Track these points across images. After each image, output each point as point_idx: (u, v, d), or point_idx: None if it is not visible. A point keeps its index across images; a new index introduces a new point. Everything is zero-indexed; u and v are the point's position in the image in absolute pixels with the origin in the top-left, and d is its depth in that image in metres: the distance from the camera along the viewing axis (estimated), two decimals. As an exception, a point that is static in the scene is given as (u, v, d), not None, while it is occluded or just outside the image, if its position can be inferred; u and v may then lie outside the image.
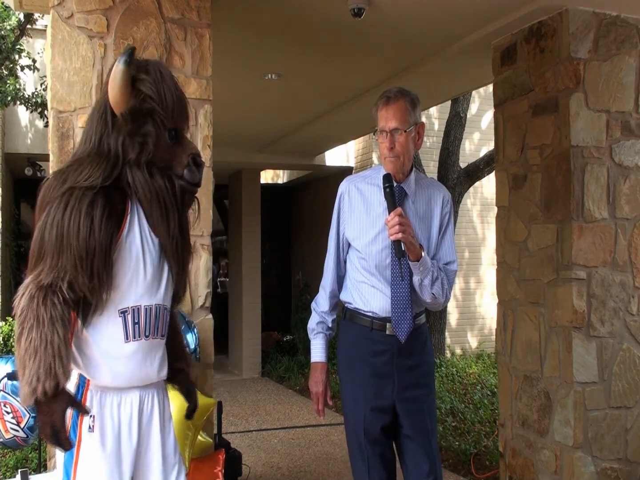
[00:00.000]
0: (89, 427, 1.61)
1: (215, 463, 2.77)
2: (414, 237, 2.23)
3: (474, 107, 8.55)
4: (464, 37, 4.03)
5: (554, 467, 3.52)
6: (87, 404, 1.62)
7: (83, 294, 1.56)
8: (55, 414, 1.47)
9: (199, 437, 2.76)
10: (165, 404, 1.77)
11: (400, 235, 2.17)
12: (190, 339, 2.83)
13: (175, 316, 1.88)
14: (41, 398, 1.44)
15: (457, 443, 5.08)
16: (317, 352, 2.48)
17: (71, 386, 1.61)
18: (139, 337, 1.66)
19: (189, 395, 1.88)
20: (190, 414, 1.87)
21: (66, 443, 1.49)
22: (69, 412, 1.55)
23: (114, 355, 1.64)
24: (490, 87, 4.66)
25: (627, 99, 3.61)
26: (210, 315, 3.11)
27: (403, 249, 2.19)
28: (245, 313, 8.76)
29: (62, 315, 1.51)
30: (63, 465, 1.63)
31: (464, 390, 6.96)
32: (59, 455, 1.65)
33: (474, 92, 7.94)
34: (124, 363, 1.65)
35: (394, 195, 2.27)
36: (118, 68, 1.58)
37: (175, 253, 1.69)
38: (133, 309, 1.64)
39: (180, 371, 1.83)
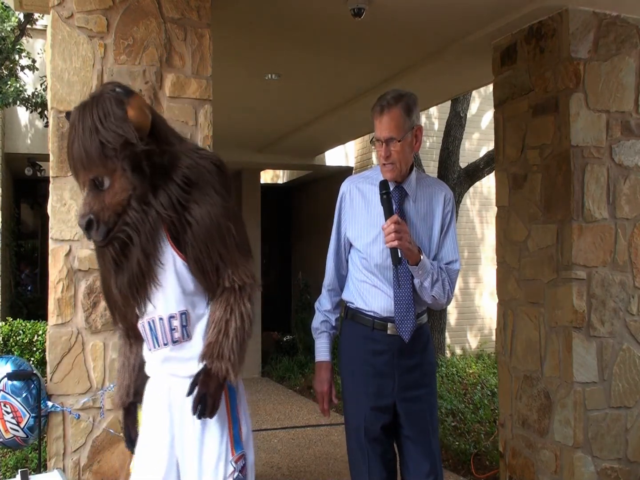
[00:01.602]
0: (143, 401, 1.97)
1: None
2: (412, 242, 2.23)
3: (474, 107, 8.55)
4: (464, 37, 4.03)
5: (554, 467, 3.52)
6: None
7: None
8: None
9: None
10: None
11: (396, 242, 2.17)
12: None
13: (216, 303, 1.83)
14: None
15: (457, 443, 5.08)
16: (322, 351, 2.49)
17: None
18: (158, 346, 1.86)
19: (197, 395, 1.80)
20: (195, 412, 1.80)
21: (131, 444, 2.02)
22: None
23: (148, 358, 1.96)
24: (490, 87, 4.66)
25: (627, 99, 3.61)
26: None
27: (400, 255, 2.19)
28: (246, 313, 8.73)
29: (125, 352, 2.03)
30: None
31: (464, 390, 6.96)
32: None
33: (474, 92, 7.95)
34: (151, 364, 1.94)
35: (391, 202, 2.27)
36: (134, 96, 1.78)
37: (141, 287, 1.78)
38: (149, 321, 1.86)
39: (199, 373, 1.81)
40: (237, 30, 3.92)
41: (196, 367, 1.78)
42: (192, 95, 3.09)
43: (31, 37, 6.88)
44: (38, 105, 6.61)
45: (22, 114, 7.44)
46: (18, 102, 6.48)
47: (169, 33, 3.05)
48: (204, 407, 1.72)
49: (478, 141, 8.83)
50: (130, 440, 2.01)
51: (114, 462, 2.86)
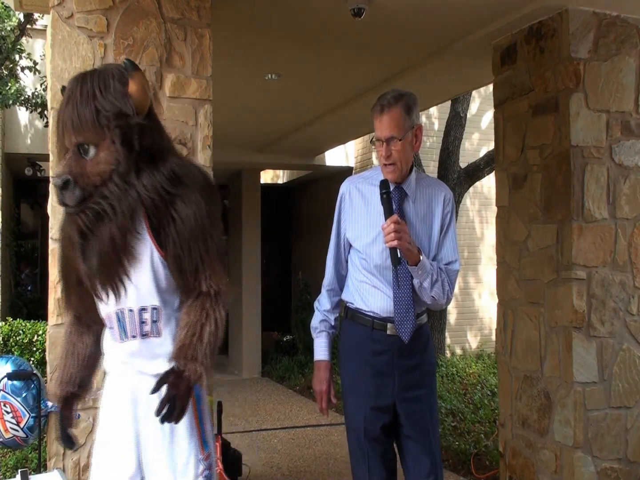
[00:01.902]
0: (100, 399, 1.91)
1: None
2: (411, 242, 2.23)
3: (474, 107, 8.55)
4: (464, 37, 4.03)
5: (554, 467, 3.52)
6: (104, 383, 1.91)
7: None
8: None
9: None
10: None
11: (395, 242, 2.17)
12: None
13: (190, 307, 1.80)
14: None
15: (457, 443, 5.08)
16: (321, 350, 2.49)
17: None
18: (126, 338, 1.81)
19: (165, 403, 1.74)
20: (159, 414, 1.74)
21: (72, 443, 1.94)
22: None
23: (111, 351, 1.87)
24: (490, 87, 4.66)
25: (627, 99, 3.61)
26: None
27: (399, 255, 2.19)
28: (245, 313, 8.76)
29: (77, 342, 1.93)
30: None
31: (464, 390, 6.96)
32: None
33: (474, 92, 7.94)
34: (112, 359, 1.88)
35: (391, 202, 2.27)
36: (137, 74, 1.75)
37: (112, 265, 1.72)
38: (117, 312, 1.80)
39: (168, 373, 1.76)
40: (237, 30, 3.92)
41: (163, 365, 1.73)
42: (192, 95, 3.09)
43: (31, 37, 6.87)
44: (38, 105, 6.61)
45: (22, 114, 7.44)
46: (18, 103, 6.48)
47: (169, 33, 3.05)
48: (171, 411, 1.65)
49: (478, 141, 8.83)
50: (65, 435, 1.91)
51: (114, 462, 2.85)
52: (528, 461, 3.72)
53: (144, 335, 1.78)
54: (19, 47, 6.38)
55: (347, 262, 2.49)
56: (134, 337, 1.78)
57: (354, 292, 2.42)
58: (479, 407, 6.17)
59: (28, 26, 6.45)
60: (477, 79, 4.92)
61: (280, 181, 10.83)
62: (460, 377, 7.51)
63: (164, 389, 1.68)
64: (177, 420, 1.69)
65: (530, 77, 3.75)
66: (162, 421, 1.66)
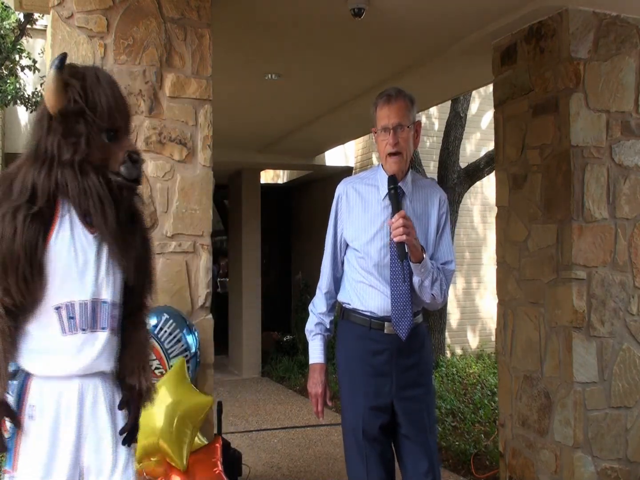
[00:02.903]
0: (30, 415, 1.71)
1: (213, 452, 2.75)
2: (417, 238, 2.24)
3: (474, 107, 8.55)
4: (464, 37, 4.03)
5: (554, 467, 3.52)
6: (30, 391, 1.73)
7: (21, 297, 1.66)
8: None
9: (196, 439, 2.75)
10: (115, 395, 1.83)
11: (404, 237, 2.18)
12: (191, 341, 2.83)
13: (139, 323, 1.89)
14: None
15: (457, 443, 5.08)
16: (316, 353, 2.49)
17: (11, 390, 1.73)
18: (75, 330, 1.73)
19: (132, 417, 1.82)
20: (123, 436, 1.80)
21: (2, 446, 1.68)
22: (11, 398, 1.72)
23: (52, 348, 1.73)
24: (490, 87, 4.66)
25: (627, 99, 3.61)
26: (210, 315, 3.11)
27: (406, 250, 2.20)
28: (245, 313, 8.75)
29: (3, 328, 1.66)
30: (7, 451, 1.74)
31: (464, 390, 6.96)
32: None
33: (474, 92, 7.94)
34: (61, 355, 1.73)
35: (399, 197, 2.29)
36: (50, 73, 1.69)
37: (115, 247, 1.75)
38: (67, 305, 1.72)
39: (130, 388, 1.81)
40: (237, 30, 3.92)
41: (109, 364, 1.78)
42: (192, 95, 3.09)
43: (31, 37, 6.87)
44: (38, 105, 6.60)
45: (22, 114, 7.44)
46: (18, 102, 6.48)
47: (169, 33, 3.05)
48: (134, 432, 1.76)
49: (478, 141, 8.83)
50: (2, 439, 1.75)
51: (114, 462, 2.85)
52: (528, 461, 3.72)
53: (112, 329, 1.79)
54: (19, 46, 6.38)
55: (342, 264, 2.50)
56: (104, 328, 1.77)
57: (351, 292, 2.42)
58: (479, 407, 6.17)
59: (28, 26, 6.45)
60: (477, 79, 4.92)
61: (280, 181, 10.83)
62: (460, 377, 7.51)
63: (130, 409, 1.78)
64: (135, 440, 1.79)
65: (530, 77, 3.75)
66: (125, 443, 1.75)
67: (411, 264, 2.25)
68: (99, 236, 1.74)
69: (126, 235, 1.77)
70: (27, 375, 1.74)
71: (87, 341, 1.74)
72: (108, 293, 1.77)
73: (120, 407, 1.79)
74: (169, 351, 2.70)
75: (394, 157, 2.33)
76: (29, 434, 1.71)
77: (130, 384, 1.81)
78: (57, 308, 1.72)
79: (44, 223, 1.68)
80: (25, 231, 1.63)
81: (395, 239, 2.20)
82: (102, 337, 1.76)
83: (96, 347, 1.75)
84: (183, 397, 2.57)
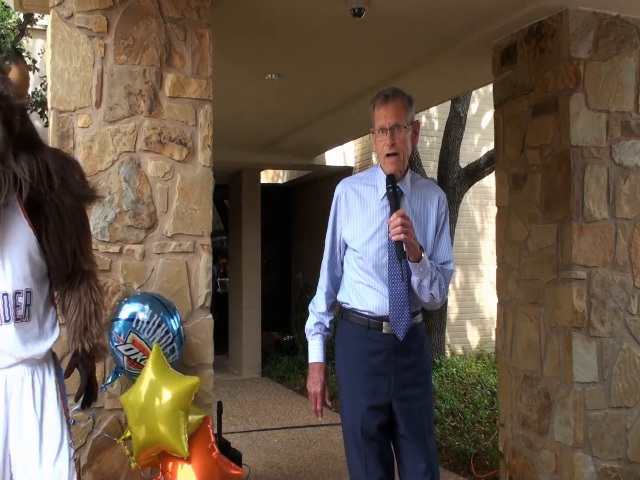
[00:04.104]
0: None
1: (207, 437, 2.71)
2: (415, 238, 2.24)
3: (474, 107, 8.55)
4: (464, 37, 4.03)
5: (554, 467, 3.52)
6: None
7: None
8: None
9: (191, 416, 2.71)
10: (46, 382, 1.82)
11: (402, 236, 2.18)
12: (172, 322, 2.78)
13: (77, 288, 1.90)
14: None
15: (457, 443, 5.08)
16: (315, 352, 2.50)
17: None
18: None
19: (83, 378, 1.86)
20: (79, 398, 1.85)
21: None
22: None
23: None
24: (490, 87, 4.66)
25: (627, 99, 3.61)
26: (210, 315, 3.11)
27: (404, 249, 2.20)
28: (245, 313, 8.75)
29: None
30: None
31: (464, 390, 6.96)
32: None
33: (474, 92, 7.94)
34: None
35: (397, 196, 2.29)
36: None
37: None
38: None
39: (74, 353, 1.85)
40: (237, 30, 3.92)
41: (33, 349, 1.78)
42: (192, 95, 3.09)
43: (31, 37, 6.88)
44: (38, 104, 6.61)
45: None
46: (18, 102, 6.47)
47: (169, 33, 3.05)
48: (90, 394, 1.76)
49: (478, 141, 8.83)
50: None
51: (114, 462, 2.86)
52: (528, 461, 3.72)
53: (18, 319, 1.78)
54: (19, 46, 6.38)
55: (342, 263, 2.50)
56: (7, 321, 1.77)
57: (350, 292, 2.43)
58: (479, 407, 6.17)
59: (28, 26, 6.45)
60: (477, 79, 4.91)
61: (280, 181, 10.83)
62: (460, 377, 7.51)
63: (79, 371, 1.76)
64: (94, 400, 1.80)
65: (530, 77, 3.75)
66: (83, 406, 1.76)
67: (410, 263, 2.25)
68: None
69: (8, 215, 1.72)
70: None
71: None
72: (8, 284, 1.76)
73: (66, 374, 1.80)
74: (150, 339, 2.67)
75: (391, 157, 2.33)
76: None
77: (72, 348, 1.83)
78: None
79: None
80: None
81: (393, 238, 2.20)
82: (6, 330, 1.77)
83: (5, 341, 1.77)
84: (168, 384, 2.53)
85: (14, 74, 1.75)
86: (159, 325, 2.70)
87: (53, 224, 1.76)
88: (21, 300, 1.78)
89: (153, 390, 2.50)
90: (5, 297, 1.76)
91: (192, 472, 2.54)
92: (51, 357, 1.90)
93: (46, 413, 1.80)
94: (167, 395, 2.48)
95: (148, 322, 2.68)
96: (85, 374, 1.80)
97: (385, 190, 2.32)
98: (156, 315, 2.71)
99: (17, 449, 1.78)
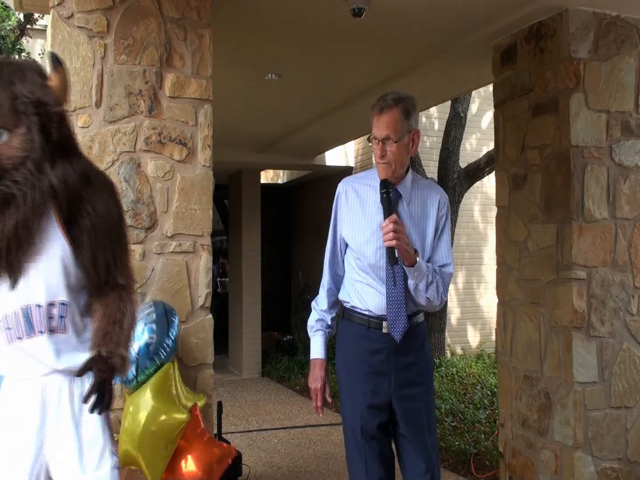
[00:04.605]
0: None
1: (196, 424, 2.71)
2: (409, 243, 2.24)
3: (474, 107, 8.55)
4: (464, 37, 4.03)
5: (554, 467, 3.52)
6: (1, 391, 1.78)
7: None
8: None
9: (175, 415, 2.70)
10: (85, 387, 1.79)
11: (394, 242, 2.18)
12: (148, 328, 2.76)
13: (105, 300, 1.83)
14: None
15: (457, 443, 5.08)
16: (316, 349, 2.50)
17: None
18: (13, 340, 1.75)
19: (94, 382, 1.77)
20: (86, 401, 1.76)
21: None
22: None
23: (6, 355, 1.77)
24: (490, 87, 4.66)
25: (627, 99, 3.61)
26: (210, 315, 3.11)
27: (397, 255, 2.20)
28: (245, 313, 8.75)
29: None
30: None
31: (464, 390, 6.96)
32: None
33: (474, 92, 7.94)
34: (13, 362, 1.77)
35: (391, 201, 2.28)
36: None
37: (14, 252, 1.67)
38: (3, 317, 1.74)
39: (92, 359, 1.78)
40: (237, 30, 3.92)
41: (70, 361, 1.76)
42: (192, 95, 3.09)
43: (31, 37, 6.88)
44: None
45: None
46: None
47: (169, 33, 3.05)
48: (100, 398, 1.69)
49: (478, 141, 8.83)
50: None
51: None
52: (528, 461, 3.72)
53: (51, 330, 1.76)
54: (19, 46, 6.39)
55: (344, 261, 2.50)
56: (41, 332, 1.75)
57: (350, 291, 2.43)
58: (479, 407, 6.17)
59: (28, 26, 6.46)
60: (477, 79, 4.91)
61: (280, 181, 10.83)
62: (460, 377, 7.51)
63: (90, 378, 1.71)
64: (106, 408, 1.72)
65: (530, 77, 3.75)
66: (92, 410, 1.69)
67: (405, 267, 2.26)
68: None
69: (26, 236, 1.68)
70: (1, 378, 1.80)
71: (27, 348, 1.75)
72: (41, 295, 1.73)
73: (79, 374, 1.75)
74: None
75: (382, 165, 2.34)
76: None
77: (91, 352, 1.79)
78: None
79: None
80: None
81: (385, 244, 2.21)
82: (40, 342, 1.75)
83: (39, 352, 1.75)
84: (160, 410, 2.51)
85: (54, 80, 1.72)
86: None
87: (86, 235, 1.72)
88: (55, 311, 1.75)
89: (143, 410, 2.50)
90: (38, 308, 1.74)
91: (190, 458, 2.57)
92: None
93: (86, 421, 1.77)
94: (152, 421, 2.49)
95: None
96: (97, 378, 1.72)
97: (389, 190, 2.32)
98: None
99: (56, 459, 1.76)
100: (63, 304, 1.76)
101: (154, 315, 2.75)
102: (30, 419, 1.75)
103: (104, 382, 1.71)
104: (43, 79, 1.71)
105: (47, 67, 1.76)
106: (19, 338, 1.74)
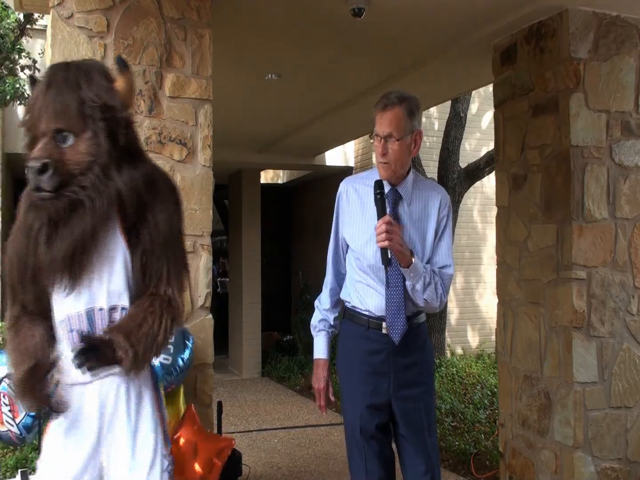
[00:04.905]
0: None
1: (193, 420, 2.73)
2: (403, 244, 2.23)
3: (474, 107, 8.54)
4: (464, 37, 4.03)
5: (554, 467, 3.52)
6: (56, 394, 1.72)
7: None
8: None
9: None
10: (143, 392, 1.78)
11: (387, 243, 2.18)
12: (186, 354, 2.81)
13: (141, 303, 1.76)
14: None
15: (457, 443, 5.08)
16: (319, 348, 2.51)
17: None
18: (77, 342, 1.67)
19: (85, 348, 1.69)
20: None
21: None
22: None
23: (68, 359, 1.69)
24: (490, 87, 4.66)
25: (627, 99, 3.61)
26: (210, 315, 3.11)
27: (390, 256, 2.19)
28: (245, 313, 8.76)
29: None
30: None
31: (464, 390, 6.96)
32: None
33: (474, 92, 7.94)
34: (70, 365, 1.68)
35: (384, 202, 2.27)
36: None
37: (79, 257, 1.65)
38: (66, 319, 1.71)
39: (101, 337, 1.70)
40: (237, 30, 3.92)
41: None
42: (192, 95, 3.09)
43: (31, 37, 6.87)
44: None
45: (22, 114, 7.44)
46: (17, 102, 6.47)
47: (169, 33, 3.05)
48: (86, 358, 1.60)
49: (478, 141, 8.83)
50: (48, 403, 1.70)
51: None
52: (528, 461, 3.72)
53: None
54: (18, 46, 6.38)
55: (346, 260, 2.50)
56: None
57: (351, 291, 2.43)
58: (479, 407, 6.17)
59: (28, 26, 6.45)
60: (477, 79, 4.91)
61: (280, 181, 10.83)
62: (460, 377, 7.51)
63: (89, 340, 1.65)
64: (90, 366, 1.61)
65: (530, 77, 3.75)
66: (79, 365, 1.60)
67: (401, 268, 2.25)
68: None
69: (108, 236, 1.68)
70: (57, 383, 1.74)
71: None
72: (104, 299, 1.72)
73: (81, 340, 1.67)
74: None
75: (382, 164, 2.33)
76: (52, 431, 1.73)
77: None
78: (61, 322, 1.72)
79: None
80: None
81: (378, 244, 2.20)
82: None
83: None
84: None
85: (120, 83, 1.70)
86: None
87: (142, 244, 1.70)
88: (116, 316, 1.73)
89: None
90: (101, 311, 1.72)
91: (191, 457, 2.59)
92: (149, 368, 1.84)
93: (141, 424, 1.76)
94: None
95: None
96: (92, 342, 1.63)
97: (382, 191, 2.31)
98: None
99: (110, 460, 1.75)
100: (124, 308, 1.74)
101: (173, 337, 2.79)
102: (89, 422, 1.73)
103: (96, 348, 1.62)
104: (109, 82, 1.68)
105: (112, 69, 1.73)
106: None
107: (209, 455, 2.69)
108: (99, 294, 1.71)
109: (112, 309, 1.73)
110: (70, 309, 1.71)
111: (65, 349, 1.72)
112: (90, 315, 1.72)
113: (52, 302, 1.73)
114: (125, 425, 1.74)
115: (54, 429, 1.74)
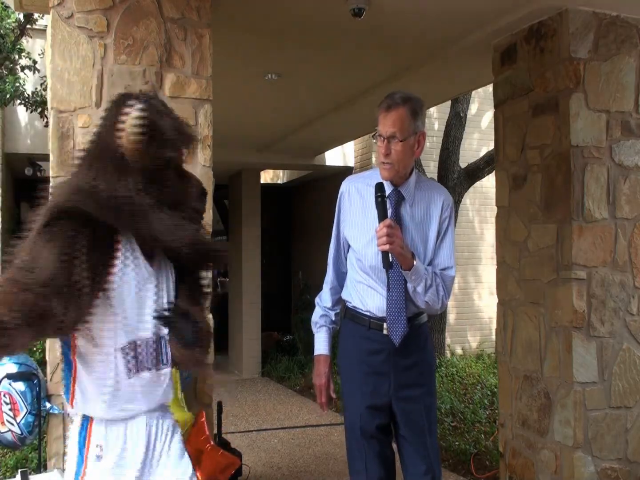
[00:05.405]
0: (97, 456, 1.61)
1: (201, 431, 2.72)
2: (404, 247, 2.22)
3: (474, 107, 8.55)
4: (464, 37, 4.03)
5: (554, 467, 3.52)
6: (93, 435, 1.62)
7: None
8: None
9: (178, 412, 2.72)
10: (172, 424, 1.76)
11: (387, 246, 2.17)
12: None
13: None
14: None
15: (457, 443, 5.08)
16: (320, 344, 2.51)
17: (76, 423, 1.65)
18: (141, 371, 1.63)
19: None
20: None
21: None
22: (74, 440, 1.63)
23: (117, 389, 1.62)
24: (490, 87, 4.66)
25: (627, 99, 3.61)
26: (210, 315, 3.10)
27: (391, 259, 2.19)
28: (245, 313, 8.76)
29: None
30: None
31: (464, 390, 6.96)
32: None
33: (474, 92, 7.94)
34: (126, 397, 1.63)
35: (385, 206, 2.27)
36: None
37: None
38: (132, 344, 1.61)
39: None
40: (237, 30, 3.92)
41: (168, 397, 1.73)
42: (192, 95, 3.09)
43: (31, 37, 6.87)
44: (38, 104, 6.60)
45: (22, 114, 7.44)
46: (17, 102, 6.48)
47: (169, 33, 3.05)
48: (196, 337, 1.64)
49: (478, 141, 8.83)
50: None
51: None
52: (528, 461, 3.72)
53: (165, 364, 1.70)
54: (18, 46, 6.38)
55: (347, 260, 2.50)
56: (165, 364, 1.68)
57: (352, 291, 2.43)
58: (479, 407, 6.17)
59: (28, 26, 6.45)
60: (477, 79, 4.91)
61: (280, 181, 10.83)
62: (460, 377, 7.51)
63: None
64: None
65: (530, 77, 3.75)
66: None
67: (402, 271, 2.25)
68: (157, 270, 1.66)
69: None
70: (88, 419, 1.63)
71: (152, 380, 1.66)
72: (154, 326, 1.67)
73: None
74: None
75: (385, 165, 2.32)
76: (94, 475, 1.61)
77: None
78: (123, 348, 1.60)
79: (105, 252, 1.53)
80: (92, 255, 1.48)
81: (379, 248, 2.20)
82: (165, 373, 1.69)
83: (161, 384, 1.69)
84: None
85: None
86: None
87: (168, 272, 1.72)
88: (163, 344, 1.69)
89: None
90: (163, 339, 1.68)
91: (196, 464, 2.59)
92: None
93: (179, 453, 1.73)
94: None
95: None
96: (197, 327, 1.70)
97: (383, 195, 2.31)
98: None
99: None
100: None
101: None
102: (136, 457, 1.65)
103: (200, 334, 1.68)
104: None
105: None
106: (148, 369, 1.64)
107: (214, 469, 2.67)
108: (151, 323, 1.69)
109: (162, 337, 1.68)
110: (134, 334, 1.63)
111: (122, 376, 1.62)
112: (156, 342, 1.67)
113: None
114: (170, 456, 1.71)
115: (96, 469, 1.62)
